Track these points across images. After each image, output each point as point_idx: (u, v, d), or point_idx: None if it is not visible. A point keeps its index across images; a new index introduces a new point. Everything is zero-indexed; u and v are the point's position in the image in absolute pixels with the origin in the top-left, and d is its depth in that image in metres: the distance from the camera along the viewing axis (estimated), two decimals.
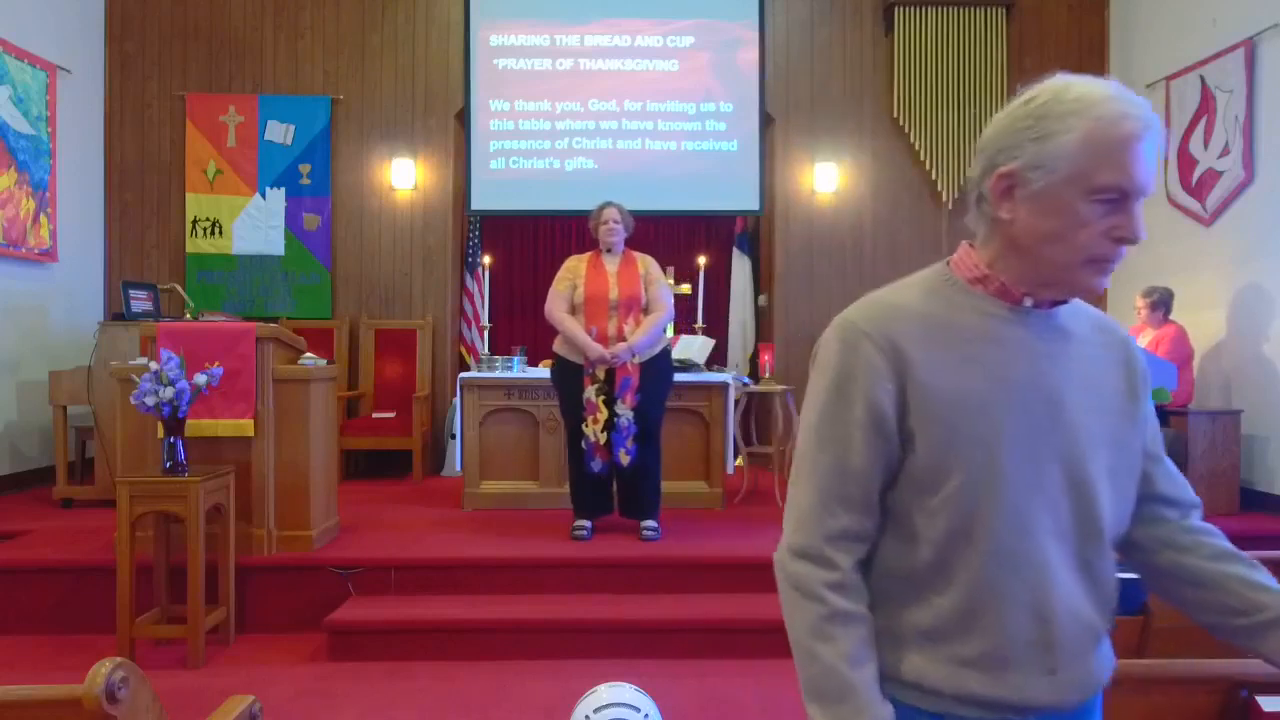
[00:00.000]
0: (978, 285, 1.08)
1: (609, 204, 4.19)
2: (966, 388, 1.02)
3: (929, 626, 1.03)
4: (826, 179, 6.29)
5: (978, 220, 1.10)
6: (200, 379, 3.36)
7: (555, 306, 4.06)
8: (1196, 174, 5.35)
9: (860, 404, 1.03)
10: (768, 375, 5.20)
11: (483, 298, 5.57)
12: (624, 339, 3.96)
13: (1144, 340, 4.96)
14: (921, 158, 6.27)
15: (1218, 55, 5.17)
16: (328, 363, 4.10)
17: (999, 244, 1.07)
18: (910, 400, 1.02)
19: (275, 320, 5.41)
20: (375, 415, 6.01)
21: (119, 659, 0.98)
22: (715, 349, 5.38)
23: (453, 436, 5.50)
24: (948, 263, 1.13)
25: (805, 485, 1.07)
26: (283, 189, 6.25)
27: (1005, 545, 1.00)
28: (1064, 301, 1.08)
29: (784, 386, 5.13)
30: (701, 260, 5.61)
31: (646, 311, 4.06)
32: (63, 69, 5.78)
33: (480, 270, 5.95)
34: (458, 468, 5.01)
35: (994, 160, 1.05)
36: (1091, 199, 0.99)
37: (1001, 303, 1.07)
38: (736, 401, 4.91)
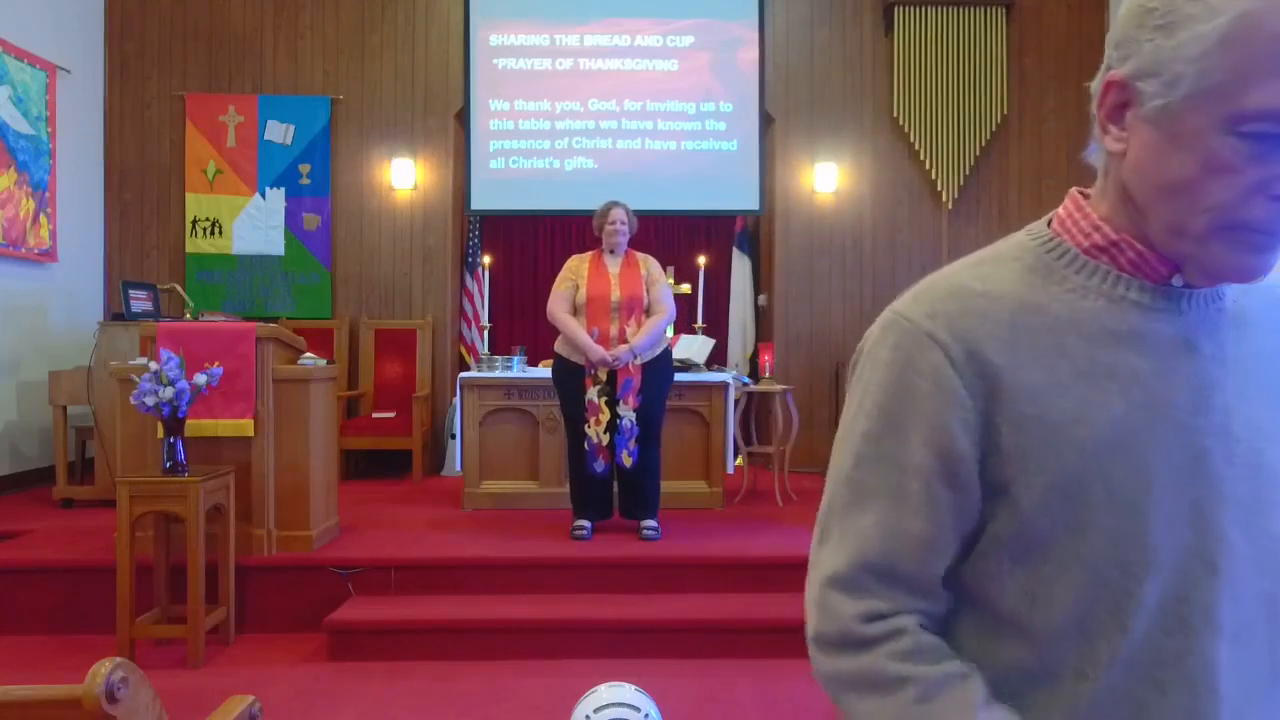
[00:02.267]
0: (1100, 256, 0.74)
1: (615, 204, 4.16)
2: (1092, 415, 0.69)
3: None
4: (826, 179, 6.28)
5: (1098, 156, 0.76)
6: (200, 379, 3.36)
7: (557, 307, 4.06)
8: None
9: (920, 441, 0.72)
10: (768, 375, 5.20)
11: (483, 297, 5.57)
12: (625, 340, 3.96)
13: None
14: (921, 158, 6.27)
15: None
16: (328, 363, 4.10)
17: (1113, 192, 0.74)
18: (1000, 435, 0.70)
19: (275, 320, 5.40)
20: (375, 415, 6.01)
21: (119, 659, 0.98)
22: (715, 349, 5.38)
23: (453, 436, 5.49)
24: (1049, 222, 0.79)
25: (834, 553, 0.75)
26: (282, 189, 6.25)
27: (1149, 648, 0.69)
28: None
29: (784, 386, 5.14)
30: (701, 260, 5.61)
31: (648, 313, 4.05)
32: (62, 69, 5.78)
33: (480, 270, 5.95)
34: (458, 468, 5.01)
35: (1109, 61, 0.72)
36: (1236, 131, 0.64)
37: (1138, 281, 0.73)
38: (736, 401, 4.91)
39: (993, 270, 0.76)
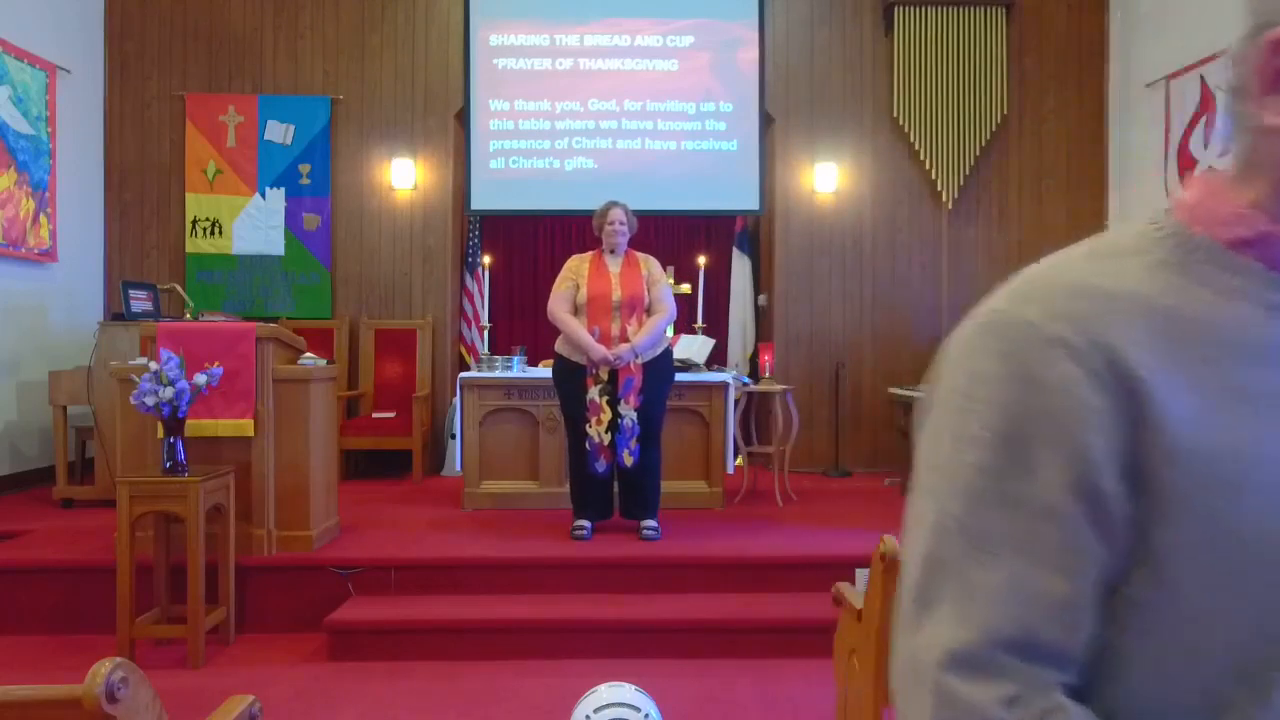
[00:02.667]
0: (1246, 251, 0.61)
1: (614, 204, 4.16)
2: (1249, 449, 0.56)
3: None
4: (826, 179, 6.28)
5: (1236, 132, 0.62)
6: (200, 379, 3.36)
7: (558, 307, 4.06)
8: (1196, 173, 5.35)
9: (1055, 474, 0.56)
10: (768, 375, 5.20)
11: (483, 297, 5.57)
12: (626, 339, 3.97)
13: None
14: (921, 158, 6.26)
15: (1218, 54, 5.17)
16: (328, 363, 4.10)
17: (1268, 175, 0.60)
18: (1148, 469, 0.56)
19: (275, 320, 5.40)
20: (375, 415, 6.01)
21: (119, 659, 0.98)
22: (715, 349, 5.38)
23: (453, 436, 5.50)
24: (1171, 211, 0.65)
25: (951, 625, 0.58)
26: (282, 189, 6.25)
27: None
28: None
29: (784, 386, 5.14)
30: (701, 260, 5.61)
31: (649, 312, 4.06)
32: (62, 69, 5.78)
33: (480, 270, 5.95)
34: (458, 468, 5.01)
35: (1258, 16, 0.58)
36: None
37: None
38: (736, 401, 4.91)
39: (1117, 265, 0.61)
